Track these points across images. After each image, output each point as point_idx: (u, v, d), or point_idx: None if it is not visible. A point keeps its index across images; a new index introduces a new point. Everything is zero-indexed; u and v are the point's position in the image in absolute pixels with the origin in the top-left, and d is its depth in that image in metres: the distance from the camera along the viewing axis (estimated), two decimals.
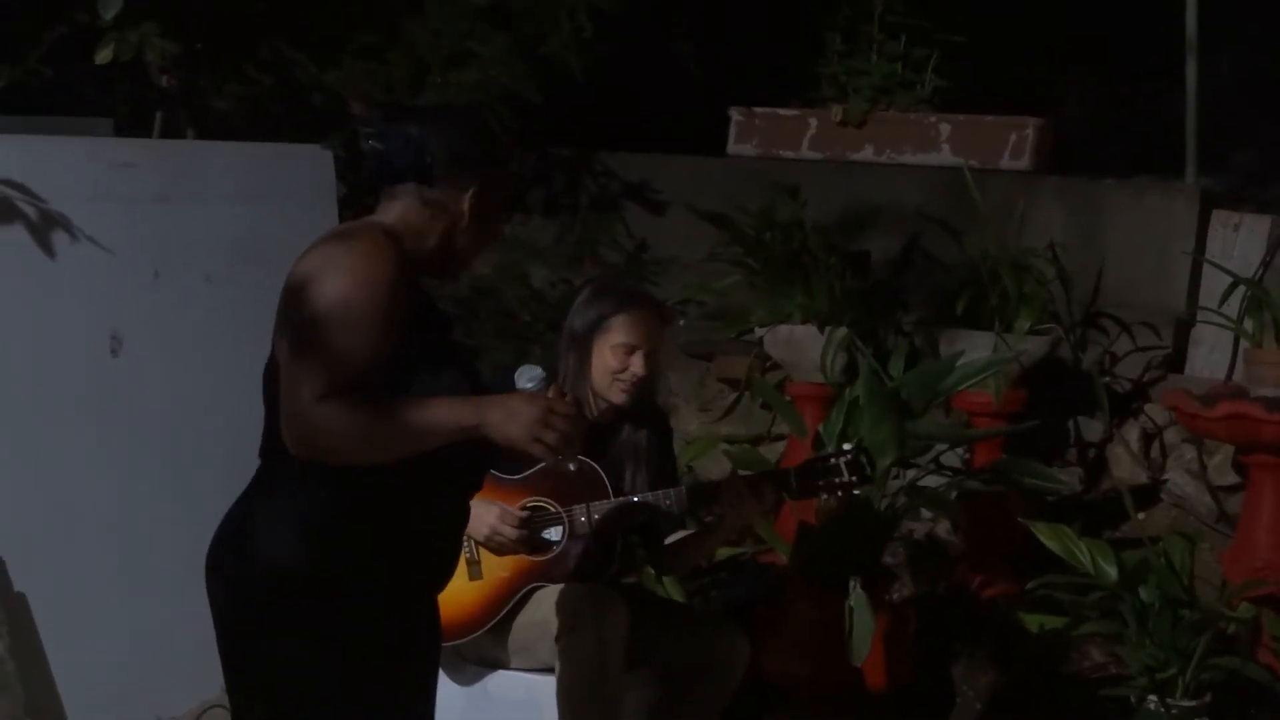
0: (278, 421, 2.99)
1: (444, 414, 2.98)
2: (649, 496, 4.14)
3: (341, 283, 2.96)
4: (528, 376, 3.18)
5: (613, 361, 4.13)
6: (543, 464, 3.95)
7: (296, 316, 2.98)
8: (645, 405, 4.26)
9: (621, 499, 4.11)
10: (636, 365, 4.14)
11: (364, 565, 3.05)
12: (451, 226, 3.14)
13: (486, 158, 3.16)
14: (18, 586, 4.63)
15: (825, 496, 4.20)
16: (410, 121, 3.15)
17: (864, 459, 4.16)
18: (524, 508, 4.09)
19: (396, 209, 3.14)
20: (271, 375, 3.07)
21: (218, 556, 3.14)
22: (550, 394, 3.08)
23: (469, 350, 5.98)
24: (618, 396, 4.15)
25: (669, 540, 4.28)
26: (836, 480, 4.13)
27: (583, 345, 4.16)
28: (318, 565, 3.03)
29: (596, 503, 4.10)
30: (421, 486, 3.08)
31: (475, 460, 3.20)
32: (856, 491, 4.22)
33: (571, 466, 3.17)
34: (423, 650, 3.22)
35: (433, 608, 3.25)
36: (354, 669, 3.06)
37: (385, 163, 3.14)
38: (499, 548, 4.08)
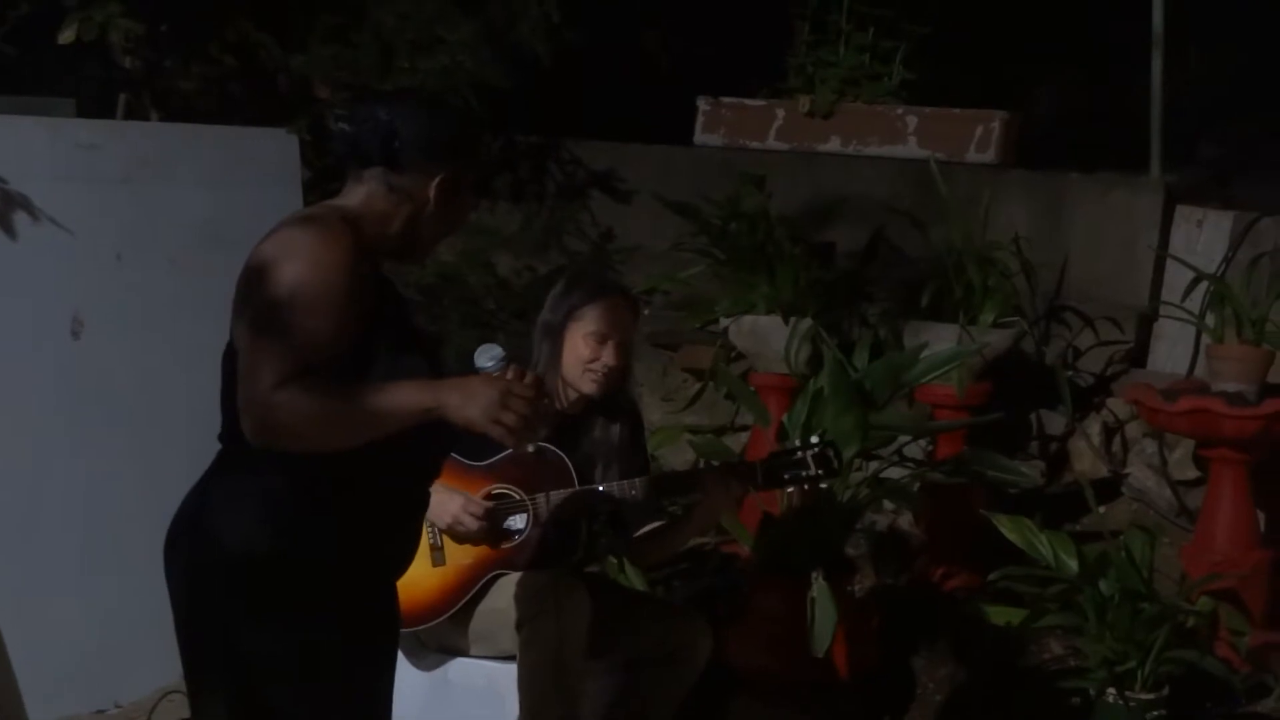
0: (236, 407, 2.98)
1: (403, 397, 2.97)
2: (612, 486, 4.14)
3: (299, 268, 2.94)
4: (487, 356, 3.17)
5: (584, 350, 4.13)
6: (508, 451, 3.98)
7: (255, 301, 2.97)
8: (617, 398, 4.26)
9: (582, 487, 4.11)
10: (608, 355, 4.14)
11: (322, 550, 3.04)
12: (416, 212, 3.13)
13: (456, 146, 3.15)
14: None
15: (791, 490, 4.21)
16: (380, 105, 3.14)
17: (831, 453, 4.16)
18: (489, 495, 4.08)
19: (361, 193, 3.12)
20: (230, 360, 3.05)
21: (176, 541, 3.13)
22: (510, 374, 3.06)
23: (432, 337, 5.96)
24: (589, 386, 4.15)
25: (639, 532, 4.28)
26: (803, 473, 4.13)
27: (555, 335, 4.17)
28: (275, 550, 3.02)
29: (556, 491, 4.09)
30: (380, 472, 3.07)
31: (434, 446, 3.20)
32: (823, 485, 4.23)
33: (530, 448, 3.16)
34: (381, 636, 3.21)
35: (391, 593, 3.24)
36: (311, 654, 3.05)
37: (353, 146, 3.13)
38: (461, 536, 4.07)
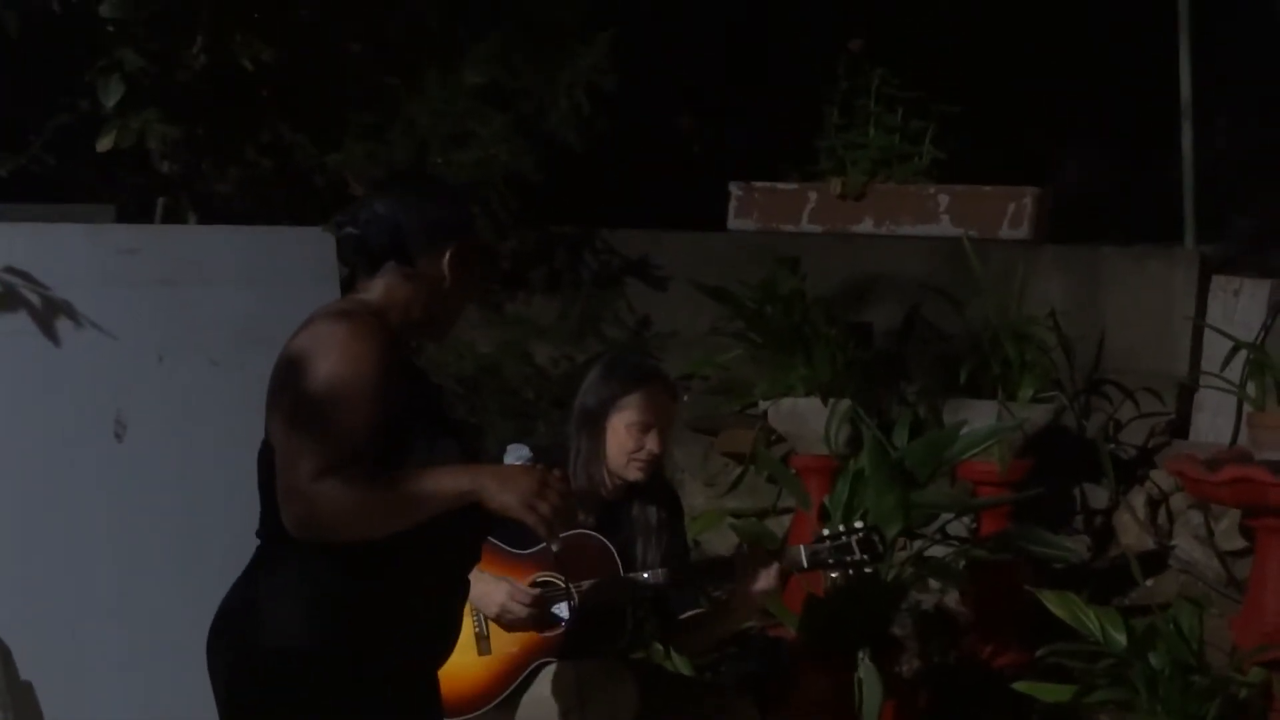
0: (274, 502, 3.01)
1: (441, 483, 3.00)
2: (657, 573, 4.13)
3: (333, 362, 2.99)
4: (515, 455, 3.22)
5: (628, 441, 4.12)
6: None
7: (290, 395, 3.01)
8: (656, 481, 4.26)
9: (626, 575, 4.10)
10: (652, 443, 4.13)
11: (364, 642, 3.06)
12: (434, 291, 3.18)
13: (458, 220, 3.21)
14: (24, 674, 4.62)
15: (835, 575, 4.19)
16: (377, 202, 3.19)
17: (876, 537, 4.14)
18: (533, 583, 4.08)
19: (379, 286, 3.18)
20: (266, 457, 3.08)
21: (219, 637, 3.15)
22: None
23: (469, 426, 5.98)
24: (634, 474, 4.15)
25: (684, 617, 4.26)
26: (847, 558, 4.12)
27: (596, 424, 4.16)
28: (317, 644, 3.04)
29: (601, 578, 4.09)
30: (419, 561, 3.09)
31: (472, 533, 3.21)
32: (867, 570, 4.21)
33: (555, 547, 3.18)
34: None
35: (433, 682, 3.24)
36: None
37: (362, 247, 3.18)
38: (510, 625, 4.06)
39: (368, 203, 3.20)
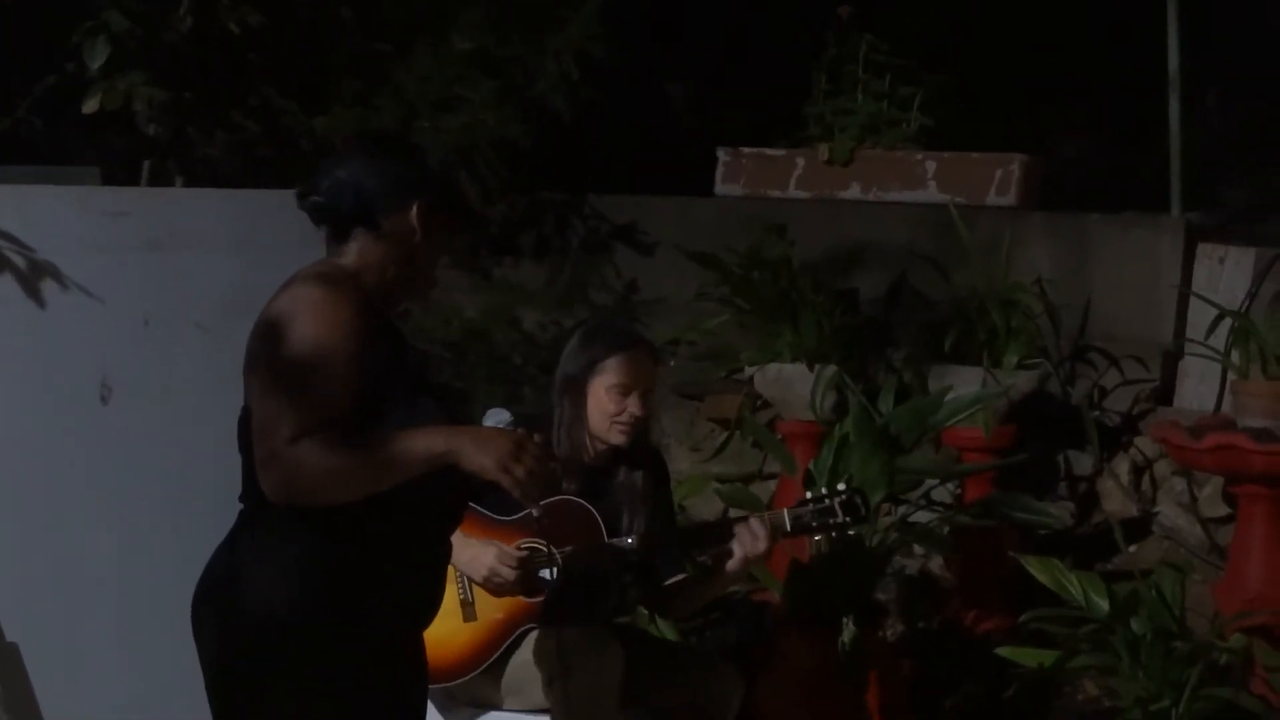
0: (254, 466, 3.01)
1: (417, 444, 3.00)
2: (641, 538, 4.14)
3: (311, 325, 3.00)
4: (495, 419, 3.23)
5: (609, 404, 4.14)
6: None
7: (267, 360, 3.02)
8: (641, 446, 4.27)
9: (610, 540, 4.11)
10: (633, 406, 4.15)
11: (346, 606, 3.06)
12: (406, 249, 3.17)
13: (419, 175, 3.20)
14: (10, 637, 4.63)
15: (819, 538, 4.21)
16: (337, 168, 3.18)
17: (858, 499, 4.16)
18: (519, 548, 4.09)
19: (353, 250, 3.17)
20: (246, 422, 3.09)
21: (204, 602, 3.16)
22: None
23: (454, 390, 5.99)
24: (617, 438, 4.16)
25: (668, 583, 4.28)
26: (831, 520, 4.14)
27: (577, 390, 4.17)
28: (299, 608, 3.04)
29: (585, 543, 4.10)
30: (401, 523, 3.10)
31: (452, 496, 3.22)
32: (851, 532, 4.23)
33: (535, 511, 3.19)
34: (410, 689, 3.23)
35: (418, 645, 3.26)
36: (342, 711, 3.07)
37: (328, 214, 3.17)
38: (497, 589, 4.07)
39: (328, 169, 3.19)
